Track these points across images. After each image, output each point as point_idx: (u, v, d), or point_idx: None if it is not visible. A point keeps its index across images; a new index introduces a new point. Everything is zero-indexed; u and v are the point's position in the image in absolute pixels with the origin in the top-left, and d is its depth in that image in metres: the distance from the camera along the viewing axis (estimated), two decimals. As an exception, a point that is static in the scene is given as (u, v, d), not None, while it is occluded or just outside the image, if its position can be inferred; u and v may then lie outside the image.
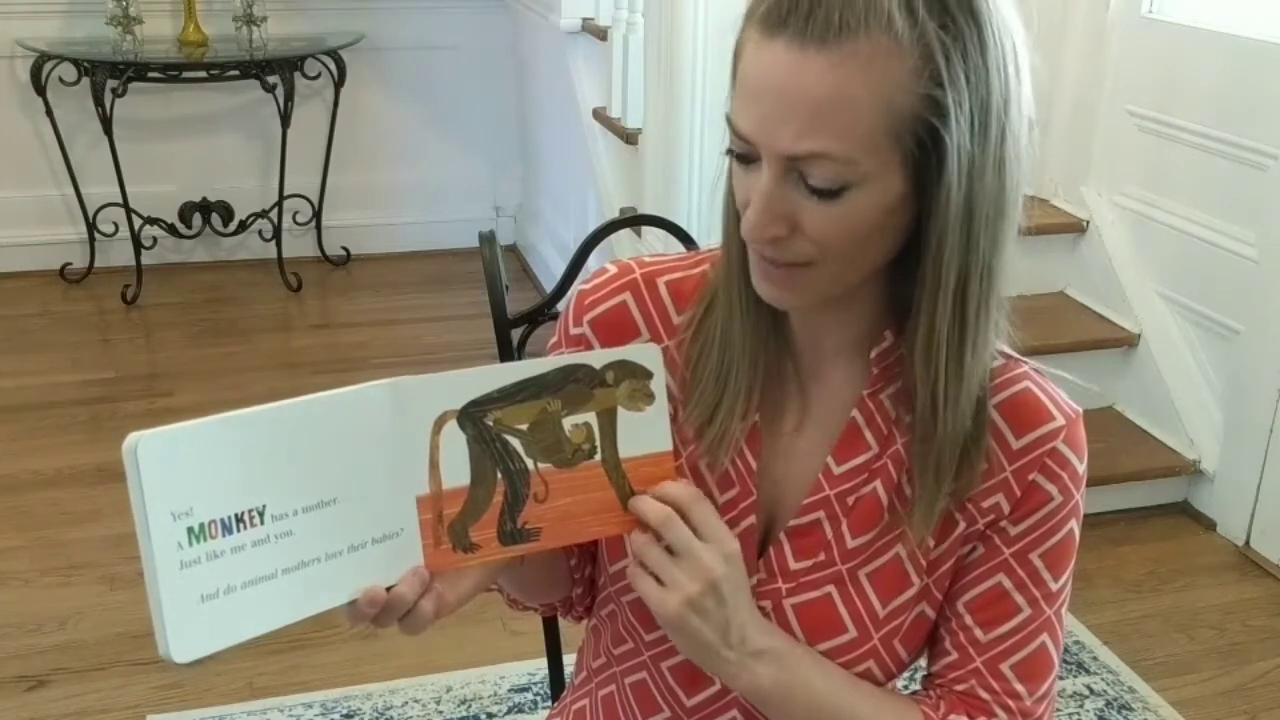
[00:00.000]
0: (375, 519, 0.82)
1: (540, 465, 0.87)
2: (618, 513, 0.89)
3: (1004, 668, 0.93)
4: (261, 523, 0.77)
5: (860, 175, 0.80)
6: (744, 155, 0.84)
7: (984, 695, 0.93)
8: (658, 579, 0.87)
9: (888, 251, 0.85)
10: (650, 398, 0.88)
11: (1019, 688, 0.93)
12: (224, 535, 0.76)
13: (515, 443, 0.86)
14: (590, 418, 0.87)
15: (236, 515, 0.76)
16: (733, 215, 0.90)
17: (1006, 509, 0.92)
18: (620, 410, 0.88)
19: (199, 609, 0.74)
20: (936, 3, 0.77)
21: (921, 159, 0.80)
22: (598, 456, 0.88)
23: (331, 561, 0.80)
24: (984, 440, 0.91)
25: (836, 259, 0.84)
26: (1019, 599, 0.93)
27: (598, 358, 0.88)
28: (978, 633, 0.94)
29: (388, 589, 0.83)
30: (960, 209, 0.81)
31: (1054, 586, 0.94)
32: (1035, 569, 0.93)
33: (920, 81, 0.78)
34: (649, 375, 0.88)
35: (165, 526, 0.73)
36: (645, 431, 0.88)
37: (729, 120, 0.83)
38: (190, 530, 0.74)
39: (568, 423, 0.87)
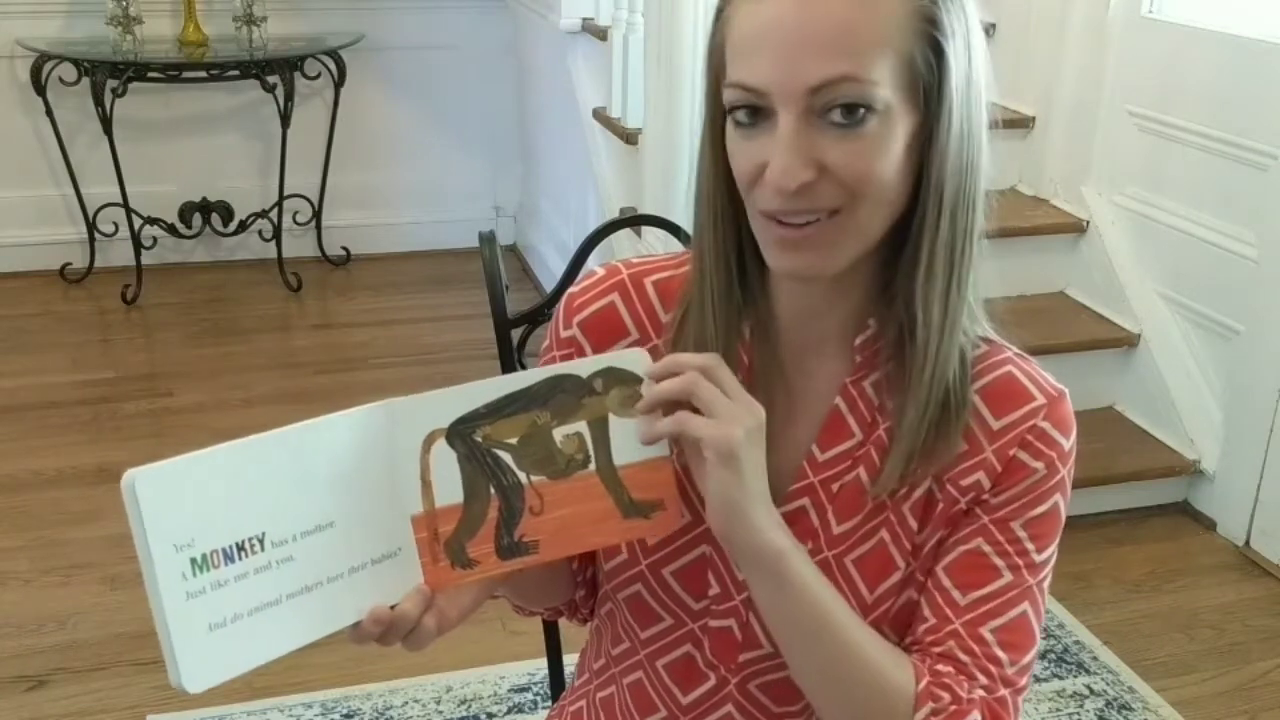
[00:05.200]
0: (373, 540, 0.83)
1: (533, 478, 0.87)
2: (616, 521, 0.88)
3: (984, 631, 0.91)
4: (262, 549, 0.78)
5: (880, 105, 0.82)
6: (749, 120, 0.84)
7: (963, 657, 0.91)
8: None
9: (899, 202, 0.87)
10: None
11: (1000, 654, 0.91)
12: (227, 564, 0.76)
13: (506, 457, 0.86)
14: (581, 427, 0.87)
15: (238, 543, 0.77)
16: (708, 210, 0.91)
17: (987, 485, 0.92)
18: (612, 418, 0.87)
19: (208, 638, 0.76)
20: None
21: (929, 83, 0.84)
22: (592, 466, 0.87)
23: (334, 584, 0.81)
24: (963, 418, 0.91)
25: (864, 201, 0.84)
26: (999, 563, 0.92)
27: (584, 366, 0.87)
28: (955, 594, 0.92)
29: (390, 608, 0.83)
30: (958, 126, 0.85)
31: (1036, 558, 0.93)
32: (1016, 537, 0.92)
33: (922, 2, 0.82)
34: (638, 380, 0.87)
35: (169, 559, 0.74)
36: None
37: (733, 84, 0.84)
38: (193, 561, 0.75)
39: (558, 434, 0.87)
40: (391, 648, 0.87)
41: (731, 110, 0.86)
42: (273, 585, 0.78)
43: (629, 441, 0.88)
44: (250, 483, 0.78)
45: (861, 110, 0.82)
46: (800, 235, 0.85)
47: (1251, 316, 2.69)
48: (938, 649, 0.91)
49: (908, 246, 0.89)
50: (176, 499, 0.75)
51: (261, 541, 0.78)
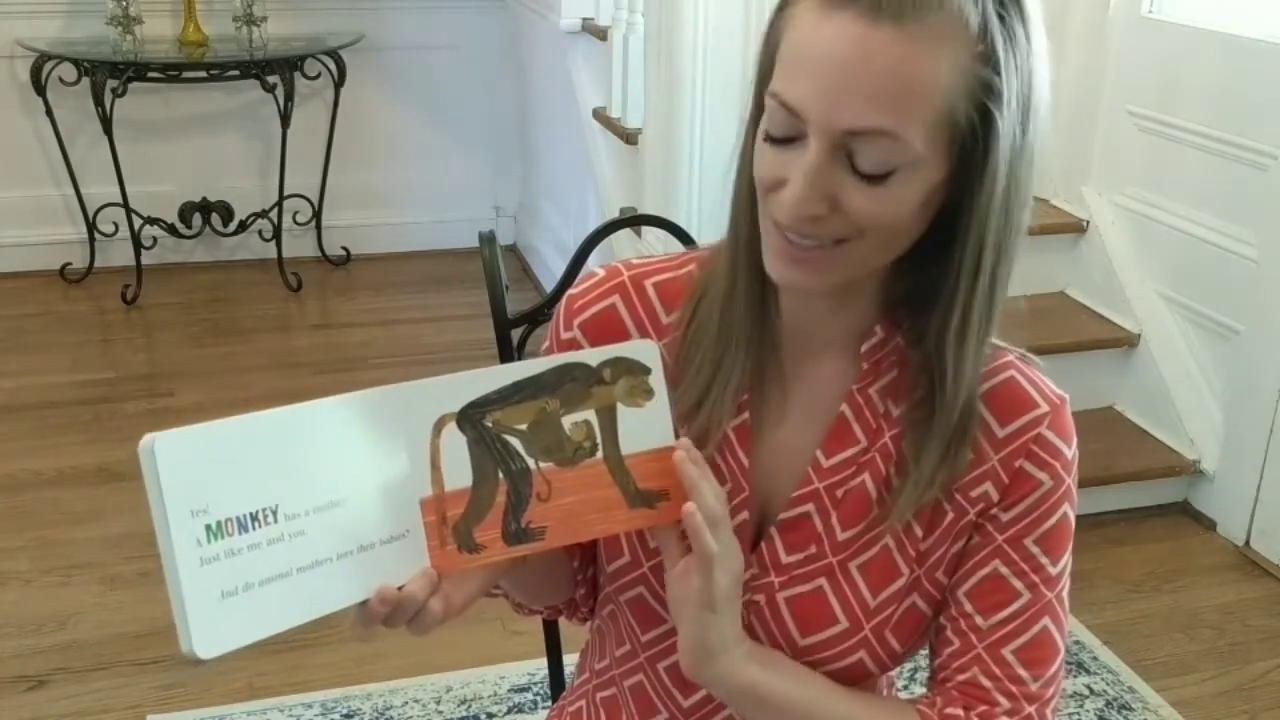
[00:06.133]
0: (382, 521, 0.83)
1: (542, 465, 0.87)
2: (622, 510, 0.89)
3: (1006, 653, 0.92)
4: (275, 521, 0.79)
5: (910, 159, 0.80)
6: (783, 134, 0.83)
7: (985, 683, 0.92)
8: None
9: (913, 240, 0.86)
10: (649, 393, 0.88)
11: (1022, 673, 0.92)
12: (240, 533, 0.77)
13: (515, 443, 0.86)
14: (590, 415, 0.88)
15: (251, 514, 0.78)
16: (745, 198, 0.90)
17: (996, 497, 0.93)
18: (620, 407, 0.88)
19: (220, 605, 0.76)
20: None
21: (970, 144, 0.81)
22: (599, 454, 0.88)
23: (343, 561, 0.81)
24: (970, 430, 0.91)
25: (872, 241, 0.84)
26: (1017, 584, 0.93)
27: (595, 355, 0.88)
28: (978, 619, 0.93)
29: (398, 589, 0.83)
30: (1003, 194, 0.83)
31: (1052, 571, 0.93)
32: (1031, 554, 0.93)
33: (979, 65, 0.80)
34: (647, 371, 0.88)
35: (185, 524, 0.75)
36: (646, 427, 0.89)
37: (774, 95, 0.82)
38: (208, 527, 0.76)
39: (567, 421, 0.87)
40: (395, 636, 0.87)
41: (773, 116, 0.84)
42: (284, 558, 0.79)
43: (636, 431, 0.88)
44: (265, 455, 0.79)
45: (888, 166, 0.80)
46: (800, 255, 0.85)
47: (1251, 316, 2.69)
48: (961, 676, 0.93)
49: (940, 301, 0.87)
50: (194, 465, 0.75)
51: (275, 513, 0.78)
